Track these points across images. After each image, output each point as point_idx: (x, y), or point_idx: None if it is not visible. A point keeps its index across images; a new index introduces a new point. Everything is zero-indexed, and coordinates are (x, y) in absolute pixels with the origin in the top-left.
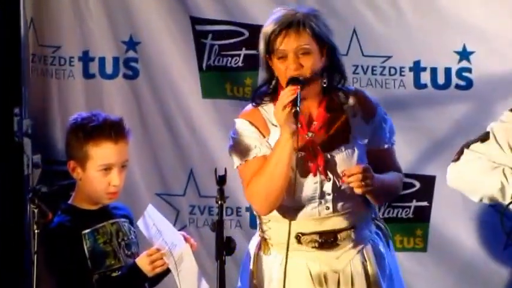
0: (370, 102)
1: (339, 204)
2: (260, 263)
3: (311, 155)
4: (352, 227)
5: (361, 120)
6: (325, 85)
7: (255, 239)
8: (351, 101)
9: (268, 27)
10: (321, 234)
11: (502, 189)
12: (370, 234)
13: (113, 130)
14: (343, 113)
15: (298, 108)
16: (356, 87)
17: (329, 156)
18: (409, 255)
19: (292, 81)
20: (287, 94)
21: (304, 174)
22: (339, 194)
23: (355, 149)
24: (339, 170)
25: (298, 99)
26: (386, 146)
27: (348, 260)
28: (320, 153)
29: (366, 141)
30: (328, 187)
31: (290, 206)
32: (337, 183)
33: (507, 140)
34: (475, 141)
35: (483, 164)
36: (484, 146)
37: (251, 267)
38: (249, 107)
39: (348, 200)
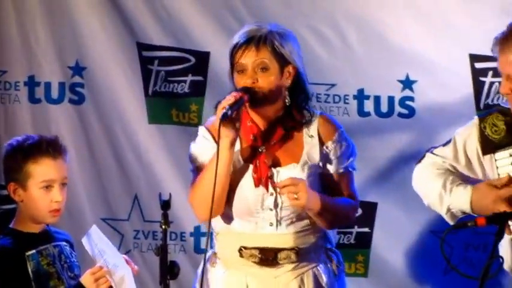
0: (331, 126)
1: (283, 223)
2: (207, 275)
3: (257, 167)
4: (293, 248)
5: (318, 142)
6: (288, 104)
7: (209, 253)
8: (312, 122)
9: (232, 41)
10: (261, 250)
11: (441, 198)
12: (315, 261)
13: (50, 147)
14: (301, 132)
15: (229, 112)
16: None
17: (275, 171)
18: (350, 280)
19: (242, 89)
20: (226, 99)
21: (249, 185)
22: (281, 211)
23: (304, 169)
24: (296, 177)
25: (238, 105)
26: (341, 171)
27: (286, 281)
28: (266, 167)
29: (318, 163)
30: (270, 202)
31: (236, 218)
32: (280, 199)
33: (463, 145)
34: (440, 145)
35: (433, 170)
36: (444, 150)
37: (199, 278)
38: (213, 118)
39: (292, 219)
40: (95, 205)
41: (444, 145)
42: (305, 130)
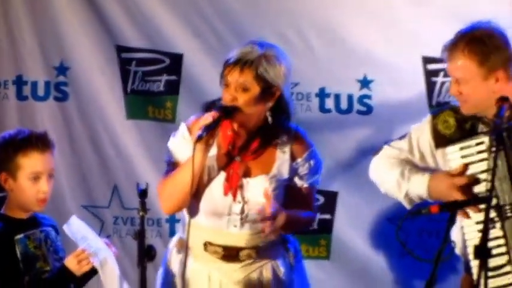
0: (303, 143)
1: (246, 225)
2: (174, 257)
3: (230, 176)
4: (254, 247)
5: (289, 157)
6: (270, 123)
7: (176, 237)
8: (287, 138)
9: (228, 56)
10: (224, 248)
11: (399, 185)
12: (274, 256)
13: (39, 141)
14: (275, 147)
15: (204, 133)
16: (298, 126)
17: (245, 181)
18: (313, 262)
19: (221, 109)
20: (205, 118)
21: (219, 191)
22: (246, 216)
23: (272, 181)
24: (251, 195)
25: (214, 124)
26: (305, 186)
27: (246, 274)
28: (237, 177)
29: (287, 176)
30: (237, 208)
31: (203, 215)
32: (246, 207)
33: (417, 141)
34: (396, 139)
35: (390, 160)
36: (400, 143)
37: (167, 257)
38: (198, 114)
39: (255, 223)
40: (76, 194)
41: (400, 138)
42: (279, 144)
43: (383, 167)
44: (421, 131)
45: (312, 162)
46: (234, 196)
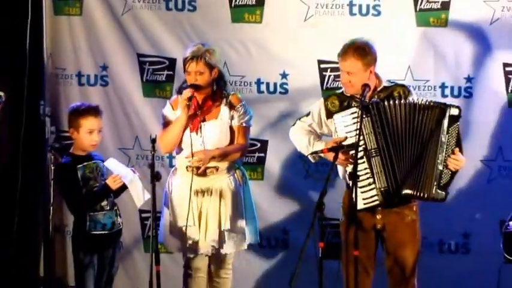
0: (236, 99)
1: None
2: (171, 179)
3: (193, 121)
4: (215, 167)
5: (228, 108)
6: (215, 88)
7: (173, 168)
8: (226, 97)
9: (184, 54)
10: (197, 168)
11: (307, 147)
12: (228, 174)
13: (92, 110)
14: (220, 103)
15: (190, 102)
16: (235, 92)
17: (203, 124)
18: (254, 182)
19: (191, 86)
20: (185, 92)
21: (188, 131)
22: (205, 147)
23: (218, 124)
24: (208, 132)
25: (191, 96)
26: (237, 125)
27: (211, 183)
28: (198, 121)
29: (228, 121)
30: (198, 140)
31: (183, 148)
32: (204, 139)
33: (316, 115)
34: (304, 116)
35: (302, 131)
36: (307, 118)
37: (168, 180)
38: (176, 95)
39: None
40: (114, 141)
41: (307, 115)
42: (223, 102)
43: (297, 134)
44: (318, 109)
45: (241, 110)
46: (196, 130)
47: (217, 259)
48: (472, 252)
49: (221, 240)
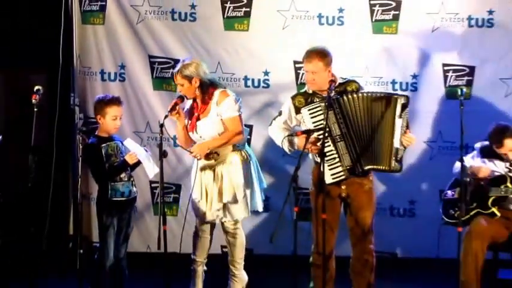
0: (223, 96)
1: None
2: (195, 161)
3: (191, 123)
4: (216, 153)
5: (216, 105)
6: (198, 93)
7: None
8: (215, 97)
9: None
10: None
11: (283, 143)
12: (233, 154)
13: (115, 100)
14: (209, 103)
15: (168, 113)
16: (222, 89)
17: (198, 123)
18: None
19: (179, 96)
20: (171, 103)
21: (188, 131)
22: (203, 140)
23: (208, 120)
24: (202, 129)
25: (177, 106)
26: (224, 118)
27: (218, 163)
28: (194, 122)
29: (217, 116)
30: (197, 137)
31: (192, 143)
32: (200, 136)
33: (286, 112)
34: (277, 116)
35: (278, 129)
36: (280, 117)
37: (193, 161)
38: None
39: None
40: (130, 125)
41: (279, 115)
42: (212, 101)
43: (274, 132)
44: (288, 107)
45: (226, 105)
46: (193, 131)
47: (224, 225)
48: (416, 215)
49: (224, 211)
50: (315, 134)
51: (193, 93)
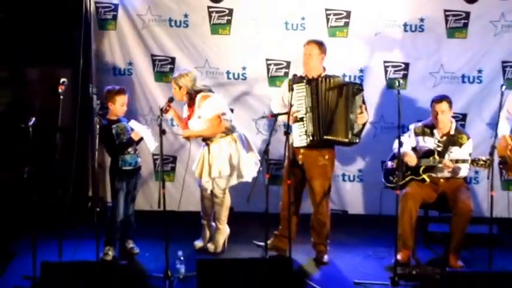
0: (202, 100)
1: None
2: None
3: (185, 123)
4: (207, 139)
5: (198, 108)
6: (187, 97)
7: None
8: (196, 101)
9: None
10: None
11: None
12: (222, 137)
13: (123, 90)
14: (193, 106)
15: (160, 113)
16: (203, 93)
17: (189, 122)
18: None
19: (169, 99)
20: (164, 104)
21: (183, 128)
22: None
23: (194, 120)
24: (193, 127)
25: (170, 107)
26: (205, 118)
27: (210, 143)
28: (186, 122)
29: (200, 116)
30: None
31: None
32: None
33: (283, 90)
34: (276, 94)
35: (277, 103)
36: (277, 94)
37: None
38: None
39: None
40: (135, 110)
41: (277, 94)
42: (196, 103)
43: (274, 106)
44: (284, 87)
45: (202, 109)
46: (187, 128)
47: (214, 192)
48: (364, 181)
49: (213, 183)
50: (293, 109)
51: (181, 97)
